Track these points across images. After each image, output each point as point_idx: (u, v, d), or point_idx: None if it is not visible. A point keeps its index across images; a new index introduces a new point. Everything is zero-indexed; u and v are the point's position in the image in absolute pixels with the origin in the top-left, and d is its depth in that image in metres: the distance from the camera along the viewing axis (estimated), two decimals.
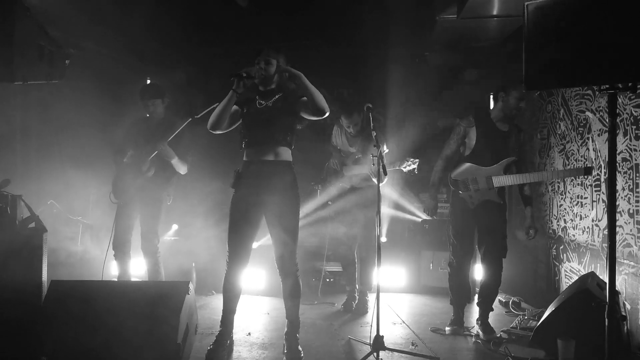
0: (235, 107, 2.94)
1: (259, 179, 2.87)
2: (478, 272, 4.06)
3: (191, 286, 2.88)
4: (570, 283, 4.14)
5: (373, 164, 3.16)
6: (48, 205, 4.28)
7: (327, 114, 2.87)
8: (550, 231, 4.65)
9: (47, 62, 2.97)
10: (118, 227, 3.79)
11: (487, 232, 3.53)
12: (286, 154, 2.95)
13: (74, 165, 4.64)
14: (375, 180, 3.15)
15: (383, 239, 4.92)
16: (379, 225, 3.02)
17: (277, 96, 2.95)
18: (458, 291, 3.64)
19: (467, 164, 3.52)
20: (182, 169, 3.87)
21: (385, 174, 3.06)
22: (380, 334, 2.97)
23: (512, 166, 3.51)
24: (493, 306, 3.63)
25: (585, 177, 3.91)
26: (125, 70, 5.16)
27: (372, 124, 3.31)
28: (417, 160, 3.82)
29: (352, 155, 4.16)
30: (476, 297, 3.68)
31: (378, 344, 2.97)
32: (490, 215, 3.49)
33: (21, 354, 2.51)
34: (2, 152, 3.97)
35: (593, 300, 2.87)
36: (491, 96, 3.67)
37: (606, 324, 2.51)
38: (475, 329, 3.57)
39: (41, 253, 2.88)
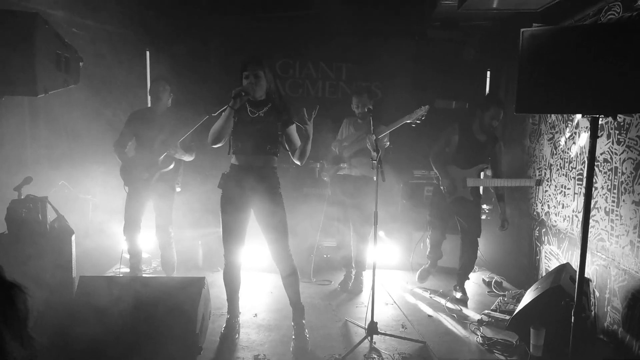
0: None
1: (247, 182, 3.16)
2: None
3: (206, 280, 3.25)
4: (548, 269, 4.59)
5: (373, 168, 3.42)
6: (60, 185, 4.54)
7: (299, 164, 3.28)
8: (535, 213, 5.04)
9: (64, 69, 3.14)
10: (130, 214, 4.14)
11: (463, 222, 4.37)
12: (272, 161, 3.24)
13: (80, 144, 4.87)
14: (373, 153, 3.42)
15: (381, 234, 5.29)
16: (376, 223, 3.37)
17: (267, 107, 3.16)
18: (434, 250, 4.63)
19: (450, 166, 4.30)
20: (188, 158, 4.21)
21: (384, 180, 3.34)
22: (374, 315, 3.40)
23: (485, 171, 4.38)
24: (477, 285, 4.55)
25: (537, 186, 4.83)
26: (125, 44, 5.23)
27: (372, 128, 3.56)
28: (425, 106, 3.96)
29: (353, 136, 4.42)
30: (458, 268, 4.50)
31: (372, 329, 3.42)
32: (464, 209, 4.31)
33: (56, 343, 2.88)
34: (13, 137, 4.17)
35: (564, 297, 3.30)
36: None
37: (572, 320, 2.95)
38: (452, 293, 4.45)
39: (70, 253, 3.21)
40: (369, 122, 3.71)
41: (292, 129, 3.20)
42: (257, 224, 3.28)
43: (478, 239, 4.37)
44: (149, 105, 4.18)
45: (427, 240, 4.71)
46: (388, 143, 4.36)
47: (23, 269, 2.94)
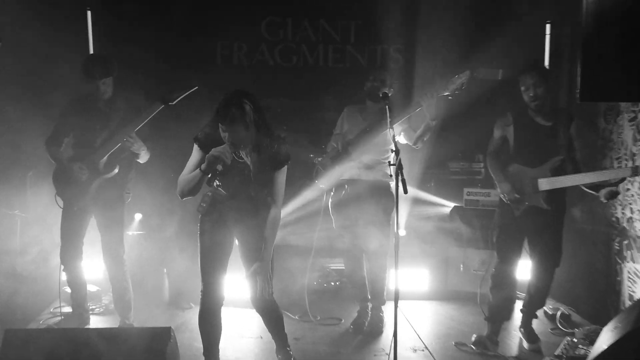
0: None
1: (232, 212, 3.42)
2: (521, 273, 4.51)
3: (172, 332, 3.30)
4: (634, 296, 4.57)
5: (390, 174, 3.33)
6: None
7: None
8: (613, 219, 5.02)
9: None
10: (67, 234, 4.20)
11: (536, 241, 4.19)
12: (261, 196, 3.43)
13: (5, 143, 4.92)
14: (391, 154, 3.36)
15: (402, 232, 5.30)
16: (397, 225, 3.37)
17: (250, 147, 3.31)
18: (498, 307, 4.26)
19: (513, 166, 4.13)
20: (144, 158, 4.30)
21: (405, 191, 3.26)
22: None
23: (562, 166, 4.04)
24: (537, 321, 4.43)
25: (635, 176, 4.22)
26: (59, 4, 5.31)
27: (389, 120, 3.53)
28: (465, 72, 4.00)
29: (362, 125, 4.42)
30: (520, 304, 4.40)
31: None
32: (538, 223, 4.09)
33: None
34: None
35: None
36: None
37: None
38: (518, 336, 4.35)
39: None
40: (382, 110, 3.73)
41: (281, 173, 3.39)
42: (240, 256, 3.52)
43: (557, 267, 4.23)
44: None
45: (489, 277, 4.33)
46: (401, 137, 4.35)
47: None
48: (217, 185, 3.33)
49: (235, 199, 3.38)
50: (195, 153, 3.31)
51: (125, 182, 4.34)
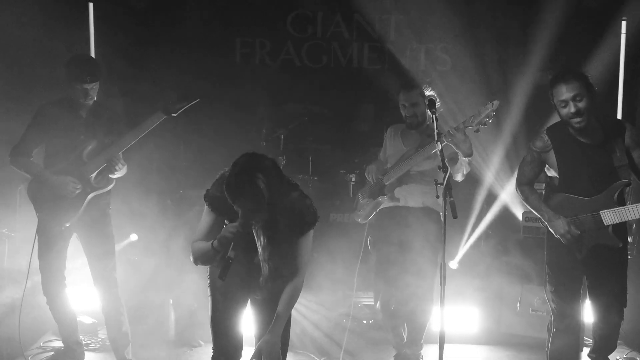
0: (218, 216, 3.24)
1: (247, 277, 3.28)
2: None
3: None
4: None
5: (437, 195, 3.16)
6: None
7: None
8: None
9: None
10: (47, 259, 4.10)
11: (599, 279, 3.81)
12: (282, 264, 3.25)
13: None
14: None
15: (453, 266, 5.13)
16: (444, 255, 3.12)
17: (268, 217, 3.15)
18: (561, 357, 3.94)
19: (562, 196, 3.77)
20: (120, 174, 4.19)
21: (455, 216, 3.09)
22: None
23: (629, 191, 3.81)
24: None
25: None
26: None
27: (436, 130, 3.32)
28: (494, 102, 3.88)
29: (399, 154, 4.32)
30: (586, 351, 4.10)
31: None
32: (605, 264, 3.74)
33: None
34: None
35: None
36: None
37: None
38: None
39: None
40: (422, 135, 3.73)
41: (306, 239, 3.21)
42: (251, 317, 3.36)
43: (624, 307, 3.87)
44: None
45: (549, 322, 4.06)
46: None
47: None
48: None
49: (251, 266, 3.23)
50: (207, 214, 3.20)
51: (109, 197, 4.28)
